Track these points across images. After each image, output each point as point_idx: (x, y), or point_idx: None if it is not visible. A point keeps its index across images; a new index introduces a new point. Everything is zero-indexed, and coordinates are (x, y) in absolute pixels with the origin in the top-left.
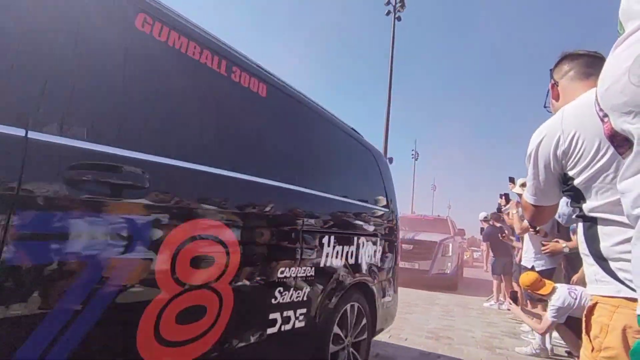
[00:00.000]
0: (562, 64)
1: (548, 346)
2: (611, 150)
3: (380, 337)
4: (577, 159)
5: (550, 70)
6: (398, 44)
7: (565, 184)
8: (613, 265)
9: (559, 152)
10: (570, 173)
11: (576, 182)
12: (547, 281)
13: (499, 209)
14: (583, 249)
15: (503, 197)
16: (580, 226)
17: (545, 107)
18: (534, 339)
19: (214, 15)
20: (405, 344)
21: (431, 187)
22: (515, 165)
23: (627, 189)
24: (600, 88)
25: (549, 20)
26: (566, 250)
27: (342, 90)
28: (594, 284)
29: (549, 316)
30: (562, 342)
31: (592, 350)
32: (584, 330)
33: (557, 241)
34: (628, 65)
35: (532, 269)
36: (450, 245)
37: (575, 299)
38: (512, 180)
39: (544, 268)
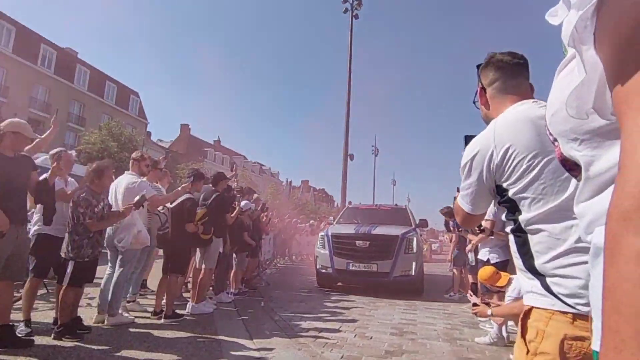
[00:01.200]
0: (489, 69)
1: (504, 334)
2: (543, 162)
3: (345, 335)
4: (510, 171)
5: (477, 68)
6: (357, 41)
7: (501, 196)
8: (549, 280)
9: (492, 165)
10: (505, 185)
11: (510, 193)
12: (503, 273)
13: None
14: (519, 265)
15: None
16: (512, 242)
17: (473, 102)
18: (491, 329)
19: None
20: (370, 342)
21: (391, 182)
22: None
23: (581, 213)
24: (548, 113)
25: (507, 15)
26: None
27: (303, 87)
28: (530, 295)
29: (489, 315)
30: (515, 328)
31: (527, 353)
32: (519, 333)
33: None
34: (568, 92)
35: (488, 262)
36: (415, 239)
37: (515, 289)
38: (459, 189)
39: (498, 260)
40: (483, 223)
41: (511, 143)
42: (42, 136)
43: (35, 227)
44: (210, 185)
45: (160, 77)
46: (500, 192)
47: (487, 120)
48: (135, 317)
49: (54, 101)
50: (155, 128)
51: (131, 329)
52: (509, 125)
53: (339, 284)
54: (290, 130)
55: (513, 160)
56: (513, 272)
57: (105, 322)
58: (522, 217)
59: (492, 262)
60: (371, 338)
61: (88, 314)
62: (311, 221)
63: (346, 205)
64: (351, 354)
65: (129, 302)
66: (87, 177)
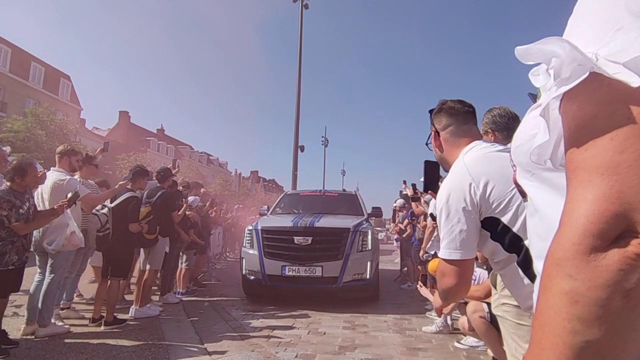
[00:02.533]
0: (442, 115)
1: (449, 322)
2: None
3: (299, 332)
4: (498, 200)
5: (430, 113)
6: (307, 32)
7: (492, 230)
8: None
9: (475, 199)
10: (496, 214)
11: (504, 219)
12: None
13: (404, 196)
14: (523, 299)
15: (410, 186)
16: (518, 275)
17: (427, 144)
18: (437, 318)
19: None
20: (324, 338)
21: (340, 172)
22: (421, 145)
23: (529, 238)
24: (513, 144)
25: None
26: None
27: (252, 77)
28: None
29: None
30: (459, 315)
31: None
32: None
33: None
34: (533, 133)
35: (436, 254)
36: (369, 233)
37: (475, 280)
38: (405, 182)
39: None
40: (429, 218)
41: (488, 177)
42: None
43: None
44: (155, 181)
45: (94, 60)
46: (490, 225)
47: (442, 161)
48: (71, 325)
49: None
50: (89, 115)
51: (66, 340)
52: (478, 161)
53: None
54: (238, 120)
55: (495, 190)
56: None
57: (36, 333)
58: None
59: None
60: (324, 334)
61: (15, 325)
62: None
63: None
64: (305, 352)
65: (62, 309)
66: (7, 175)
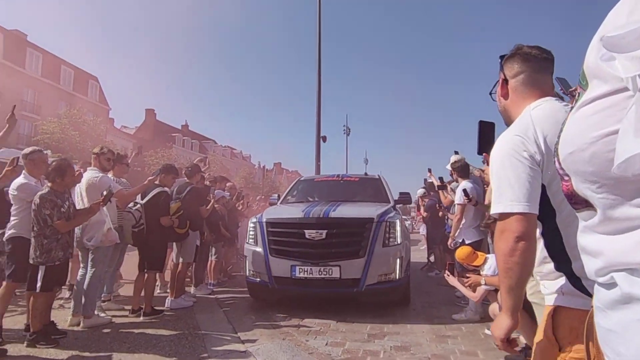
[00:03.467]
0: (514, 61)
1: (480, 310)
2: None
3: (328, 321)
4: (548, 161)
5: (501, 59)
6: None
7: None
8: (586, 282)
9: (539, 150)
10: (542, 179)
11: (549, 189)
12: (479, 253)
13: (428, 184)
14: (546, 269)
15: (437, 178)
16: (541, 245)
17: (490, 94)
18: (467, 305)
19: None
20: (353, 327)
21: (363, 160)
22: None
23: (589, 251)
24: (563, 150)
25: None
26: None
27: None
28: (560, 295)
29: (482, 285)
30: (489, 302)
31: (560, 350)
32: (548, 332)
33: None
34: (596, 134)
35: (463, 242)
36: (397, 223)
37: None
38: (430, 170)
39: (472, 240)
40: (456, 207)
41: (549, 133)
42: None
43: (10, 231)
44: (185, 177)
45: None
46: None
47: (505, 113)
48: (113, 316)
49: (5, 89)
50: (117, 114)
51: (109, 330)
52: (547, 117)
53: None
54: (261, 113)
55: (551, 151)
56: (487, 251)
57: (81, 324)
58: (561, 218)
59: (467, 242)
60: (353, 322)
61: (62, 317)
62: None
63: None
64: (335, 339)
65: (104, 301)
66: (48, 177)
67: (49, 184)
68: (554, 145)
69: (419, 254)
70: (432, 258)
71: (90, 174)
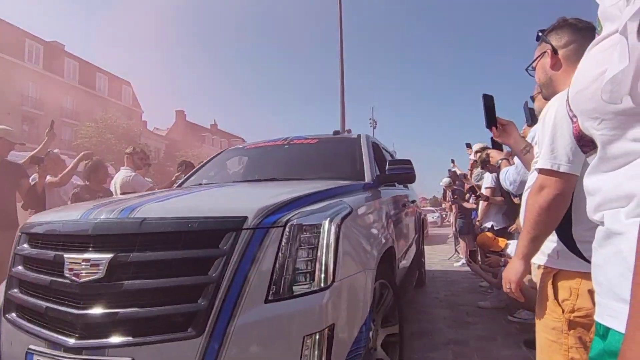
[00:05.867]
0: (563, 32)
1: (504, 297)
2: None
3: None
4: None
5: (543, 33)
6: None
7: None
8: (580, 246)
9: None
10: None
11: None
12: (500, 239)
13: (452, 174)
14: None
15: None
16: None
17: (527, 70)
18: (492, 292)
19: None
20: None
21: (393, 152)
22: (473, 125)
23: (591, 189)
24: (572, 90)
25: None
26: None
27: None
28: (555, 258)
29: (501, 265)
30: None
31: (563, 312)
32: (550, 296)
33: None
34: (598, 72)
35: (492, 228)
36: (332, 229)
37: None
38: (469, 145)
39: (499, 227)
40: (484, 191)
41: None
42: (37, 148)
43: None
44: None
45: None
46: None
47: (550, 84)
48: None
49: (46, 97)
50: (149, 116)
51: None
52: None
53: None
54: (285, 108)
55: None
56: (509, 238)
57: None
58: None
59: (495, 228)
60: None
61: None
62: None
63: None
64: None
65: None
66: (83, 176)
67: (87, 182)
68: None
69: (447, 255)
70: (459, 248)
71: (124, 172)
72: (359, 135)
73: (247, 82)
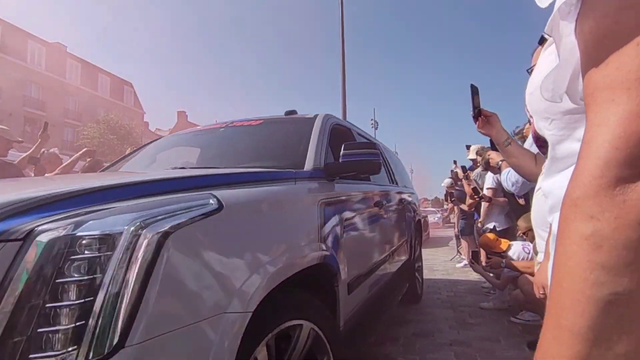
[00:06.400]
0: None
1: (506, 299)
2: None
3: None
4: None
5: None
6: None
7: None
8: None
9: None
10: None
11: None
12: (502, 240)
13: (453, 175)
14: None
15: (460, 167)
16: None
17: (528, 71)
18: (494, 293)
19: None
20: None
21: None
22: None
23: (547, 191)
24: (527, 92)
25: None
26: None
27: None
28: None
29: (505, 271)
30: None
31: None
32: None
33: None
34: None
35: (494, 229)
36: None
37: (528, 253)
38: (469, 147)
39: (501, 228)
40: (485, 192)
41: None
42: (30, 149)
43: None
44: None
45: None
46: None
47: None
48: None
49: (48, 98)
50: (151, 117)
51: None
52: None
53: None
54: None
55: None
56: (512, 238)
57: None
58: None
59: (498, 229)
60: None
61: None
62: None
63: None
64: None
65: None
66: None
67: None
68: None
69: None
70: (460, 249)
71: None
72: (315, 116)
73: (250, 80)
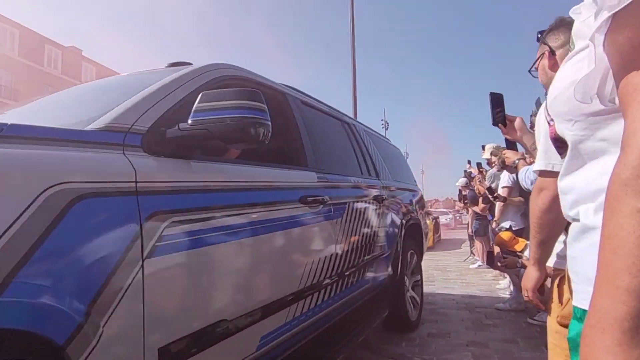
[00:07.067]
0: (560, 32)
1: (522, 300)
2: None
3: None
4: None
5: (541, 34)
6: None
7: None
8: None
9: None
10: None
11: None
12: (520, 239)
13: (467, 174)
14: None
15: (475, 166)
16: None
17: (530, 71)
18: (510, 295)
19: None
20: None
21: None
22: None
23: (565, 188)
24: (550, 97)
25: None
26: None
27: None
28: (563, 259)
29: (522, 272)
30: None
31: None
32: (555, 298)
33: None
34: (571, 80)
35: (510, 228)
36: None
37: None
38: (484, 147)
39: (517, 228)
40: (500, 191)
41: None
42: None
43: None
44: None
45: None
46: None
47: (550, 84)
48: None
49: None
50: None
51: None
52: None
53: None
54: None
55: None
56: (528, 238)
57: None
58: None
59: (514, 229)
60: None
61: None
62: None
63: None
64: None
65: None
66: None
67: None
68: None
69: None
70: (474, 250)
71: None
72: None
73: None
